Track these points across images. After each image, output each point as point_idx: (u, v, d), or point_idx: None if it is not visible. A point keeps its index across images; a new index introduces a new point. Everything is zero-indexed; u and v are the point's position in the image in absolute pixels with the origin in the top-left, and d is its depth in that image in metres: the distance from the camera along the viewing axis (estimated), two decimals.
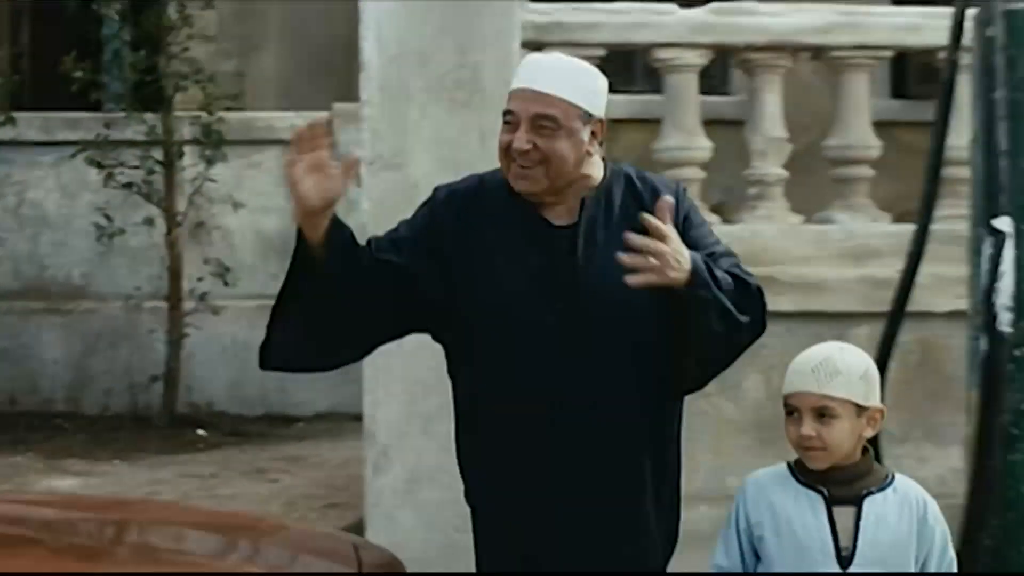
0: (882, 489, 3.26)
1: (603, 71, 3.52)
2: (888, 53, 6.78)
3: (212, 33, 9.48)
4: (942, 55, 5.62)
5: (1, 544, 2.97)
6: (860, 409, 3.22)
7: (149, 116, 8.64)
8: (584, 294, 3.36)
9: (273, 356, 3.39)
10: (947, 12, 5.10)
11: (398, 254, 3.39)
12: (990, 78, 3.75)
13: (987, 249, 3.71)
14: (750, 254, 4.96)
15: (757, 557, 3.28)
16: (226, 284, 8.79)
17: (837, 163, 6.69)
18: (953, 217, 5.53)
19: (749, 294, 3.37)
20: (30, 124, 9.12)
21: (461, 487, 5.83)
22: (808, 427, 3.19)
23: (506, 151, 3.35)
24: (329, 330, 3.38)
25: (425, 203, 3.53)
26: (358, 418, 8.95)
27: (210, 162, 8.60)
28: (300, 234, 3.26)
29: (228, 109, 8.77)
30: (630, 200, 3.42)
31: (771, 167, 6.49)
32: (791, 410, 3.24)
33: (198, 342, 8.96)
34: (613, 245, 3.30)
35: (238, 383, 9.24)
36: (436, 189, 3.56)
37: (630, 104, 7.85)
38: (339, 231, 3.27)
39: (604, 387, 3.34)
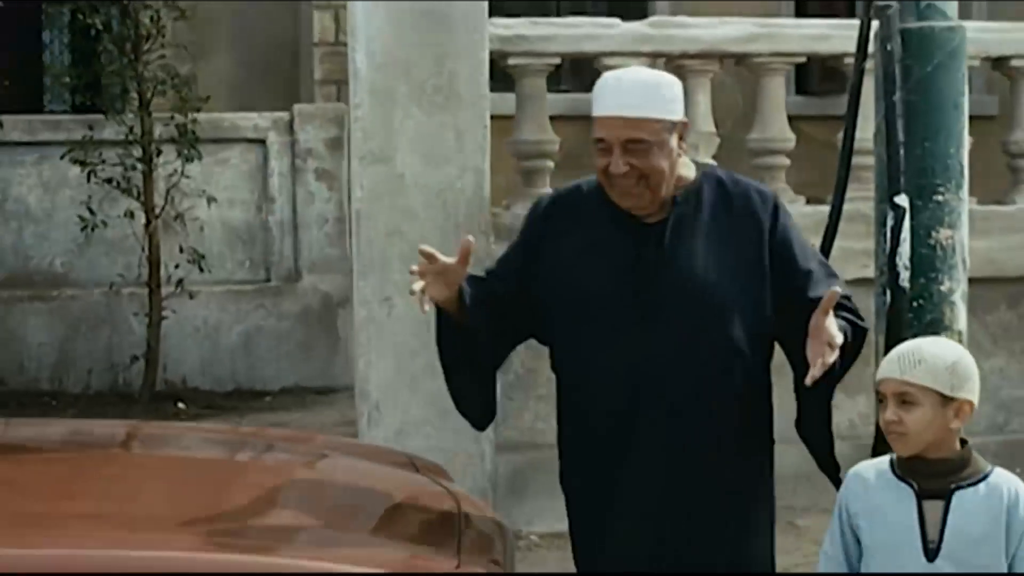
0: (974, 484, 3.19)
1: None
2: (801, 59, 7.32)
3: (170, 40, 9.75)
4: (848, 60, 6.11)
5: None
6: (945, 399, 3.16)
7: (128, 117, 9.05)
8: (670, 288, 3.41)
9: (475, 419, 3.69)
10: (851, 23, 5.44)
11: (511, 275, 3.57)
12: (890, 83, 4.06)
13: (890, 221, 4.05)
14: None
15: (860, 545, 3.28)
16: (202, 270, 9.19)
17: (758, 154, 7.19)
18: (857, 198, 5.75)
19: (858, 339, 3.47)
20: (14, 126, 9.42)
21: (442, 436, 6.54)
22: (891, 412, 3.16)
23: (605, 173, 3.41)
24: (492, 369, 3.64)
25: (528, 215, 3.69)
26: (320, 392, 9.60)
27: (188, 160, 8.99)
28: (439, 310, 3.44)
29: (198, 111, 9.20)
30: (720, 202, 3.49)
31: (702, 158, 6.70)
32: (880, 397, 3.23)
33: (172, 324, 9.31)
34: (700, 242, 3.44)
35: (210, 361, 9.63)
36: (538, 199, 3.72)
37: (564, 101, 8.16)
38: (468, 290, 3.44)
39: (685, 379, 3.41)
